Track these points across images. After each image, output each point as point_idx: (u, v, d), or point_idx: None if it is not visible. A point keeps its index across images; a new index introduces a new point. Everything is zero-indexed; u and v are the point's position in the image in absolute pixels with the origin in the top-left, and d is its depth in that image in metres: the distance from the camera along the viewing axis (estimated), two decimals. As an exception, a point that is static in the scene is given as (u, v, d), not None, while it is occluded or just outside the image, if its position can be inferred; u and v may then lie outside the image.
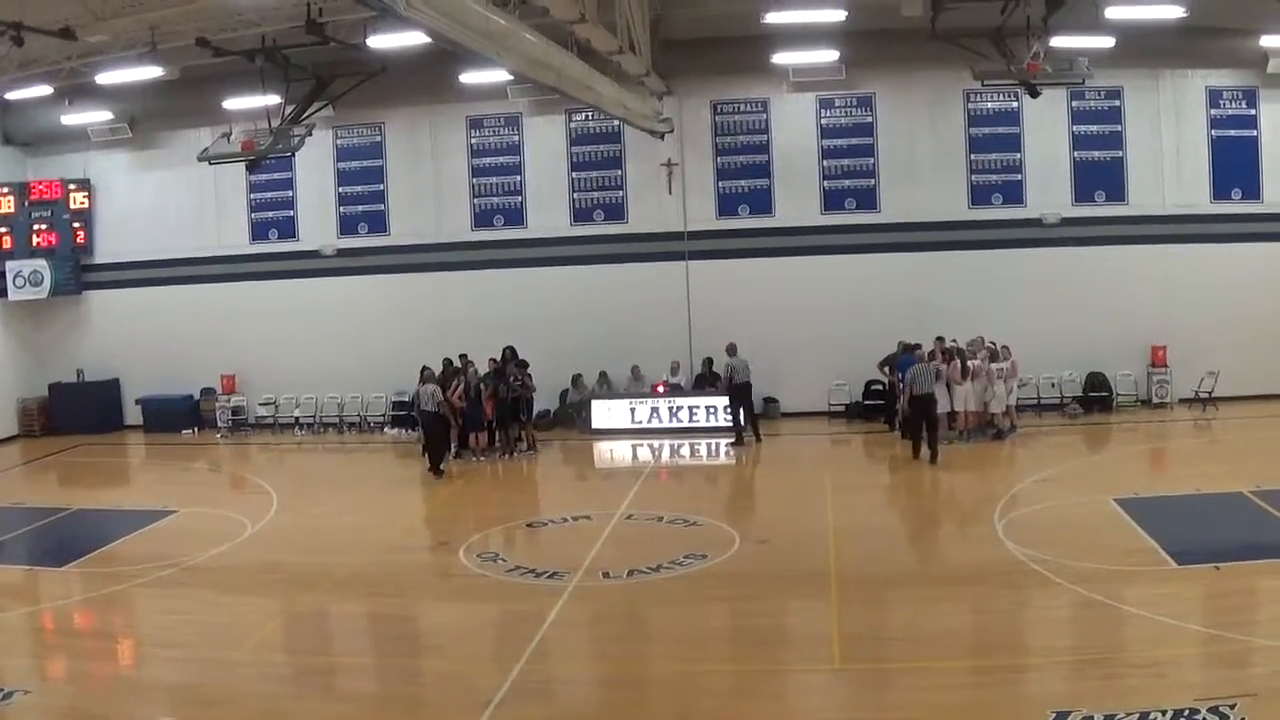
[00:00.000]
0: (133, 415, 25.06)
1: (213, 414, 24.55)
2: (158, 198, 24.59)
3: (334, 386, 23.96)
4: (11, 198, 24.44)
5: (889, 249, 22.55)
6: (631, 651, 11.05)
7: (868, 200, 22.80)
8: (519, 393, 20.37)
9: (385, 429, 23.65)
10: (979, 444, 19.64)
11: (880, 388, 21.94)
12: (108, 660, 11.25)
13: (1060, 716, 8.43)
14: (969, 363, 19.74)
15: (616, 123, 22.00)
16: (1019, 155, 22.45)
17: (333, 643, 11.90)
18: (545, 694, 9.97)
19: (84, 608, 12.90)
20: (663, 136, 22.22)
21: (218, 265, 24.51)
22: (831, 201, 22.92)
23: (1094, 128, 22.29)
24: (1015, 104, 22.09)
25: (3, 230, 24.40)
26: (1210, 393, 21.31)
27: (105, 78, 19.41)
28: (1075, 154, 22.38)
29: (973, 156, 22.53)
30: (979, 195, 22.59)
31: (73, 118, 23.16)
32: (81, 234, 24.69)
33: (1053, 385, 22.13)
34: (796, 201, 22.95)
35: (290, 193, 24.39)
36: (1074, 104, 22.16)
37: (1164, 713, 8.36)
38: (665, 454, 21.13)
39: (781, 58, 21.52)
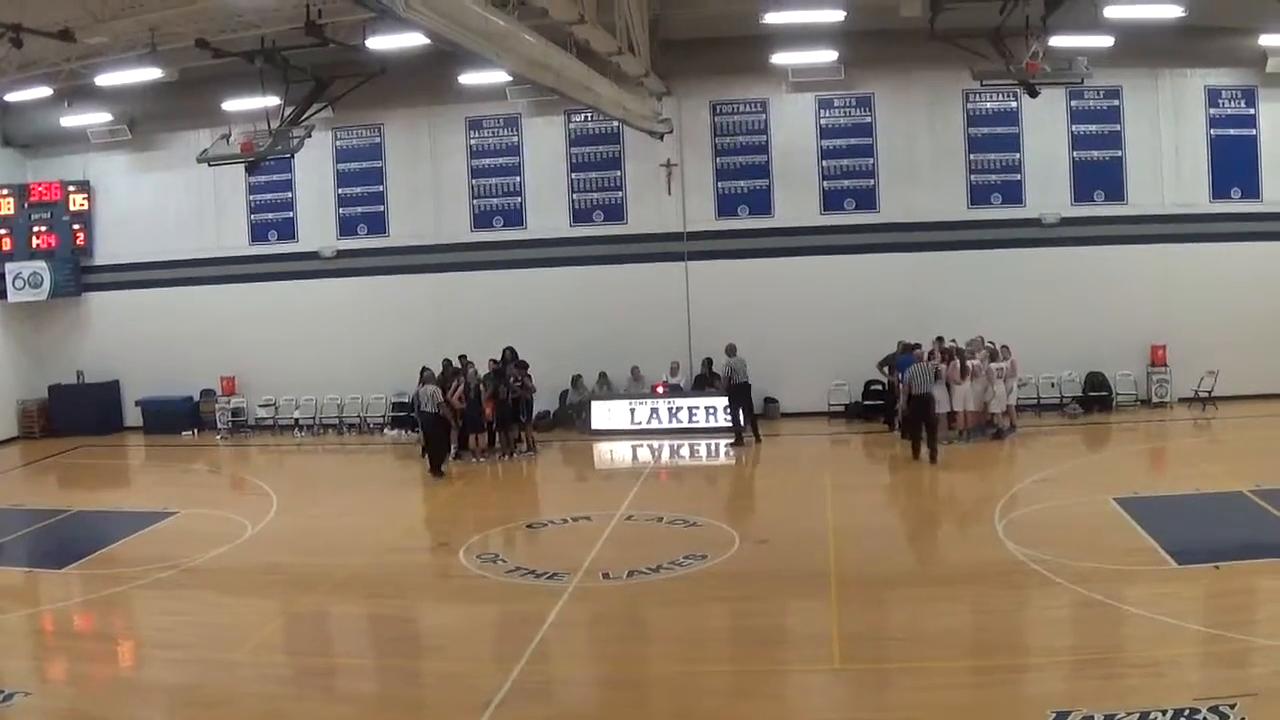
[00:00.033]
0: (133, 417, 25.06)
1: (212, 415, 24.55)
2: (157, 199, 24.59)
3: (334, 388, 23.97)
4: (11, 199, 24.43)
5: (888, 249, 22.55)
6: (631, 652, 11.05)
7: (867, 200, 22.81)
8: (519, 393, 20.37)
9: (385, 430, 23.66)
10: (979, 444, 19.64)
11: (880, 388, 21.94)
12: (108, 662, 11.24)
13: (1060, 716, 8.43)
14: (968, 363, 19.75)
15: (616, 123, 22.01)
16: (1018, 155, 22.46)
17: (333, 644, 11.90)
18: (545, 694, 9.97)
19: (84, 609, 12.90)
20: (662, 137, 22.22)
21: (217, 267, 24.51)
22: (831, 202, 22.93)
23: (1093, 127, 22.29)
24: (1014, 104, 22.09)
25: (2, 232, 24.39)
26: (1210, 392, 21.31)
27: (105, 79, 19.43)
28: (1074, 154, 22.38)
29: (972, 156, 22.53)
30: (978, 195, 22.59)
31: (72, 119, 23.16)
32: (81, 236, 24.69)
33: (1052, 385, 22.13)
34: (796, 202, 22.95)
35: (290, 194, 24.39)
36: (1073, 104, 22.16)
37: (1164, 712, 8.36)
38: (665, 455, 21.13)
39: (780, 58, 21.52)
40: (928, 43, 17.54)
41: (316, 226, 24.34)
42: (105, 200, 24.85)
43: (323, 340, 23.81)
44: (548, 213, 23.63)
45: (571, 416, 23.09)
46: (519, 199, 23.79)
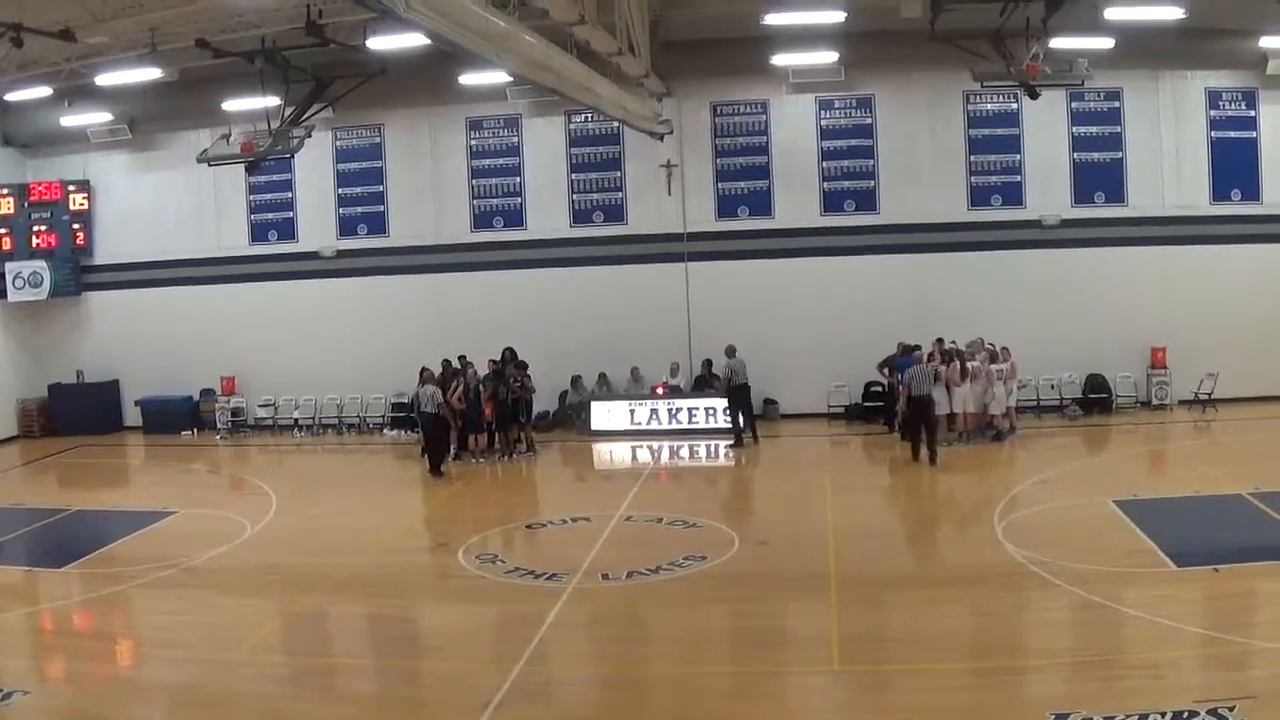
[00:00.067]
0: (132, 416, 25.06)
1: (212, 415, 24.54)
2: (157, 199, 24.59)
3: (333, 388, 23.97)
4: (11, 199, 24.44)
5: (888, 250, 22.54)
6: (631, 653, 11.05)
7: (867, 202, 22.80)
8: (518, 394, 20.36)
9: (384, 430, 23.66)
10: (978, 445, 19.64)
11: (880, 389, 21.93)
12: (107, 661, 11.24)
13: (1059, 718, 8.43)
14: (968, 364, 19.74)
15: (616, 124, 22.01)
16: (1018, 156, 22.45)
17: (332, 644, 11.90)
18: (544, 695, 9.97)
19: (83, 608, 12.90)
20: (662, 138, 22.22)
21: (217, 267, 24.52)
22: (831, 203, 22.92)
23: (1093, 129, 22.29)
24: (1015, 105, 22.09)
25: (2, 231, 24.39)
26: (1210, 394, 21.31)
27: (105, 79, 19.44)
28: (1075, 155, 22.38)
29: (972, 158, 22.53)
30: (978, 197, 22.59)
31: (72, 119, 23.17)
32: (81, 235, 24.69)
33: (1052, 387, 22.13)
34: (796, 203, 22.95)
35: (290, 194, 24.39)
36: (1073, 105, 22.16)
37: (1163, 715, 8.36)
38: (664, 455, 21.13)
39: (781, 59, 21.54)
40: (928, 44, 17.52)
41: (316, 226, 24.34)
42: (105, 200, 24.86)
43: (322, 340, 23.81)
44: (548, 213, 23.63)
45: (571, 417, 23.09)
46: (519, 199, 23.79)
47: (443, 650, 11.23)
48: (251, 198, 24.46)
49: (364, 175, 24.21)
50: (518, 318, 22.80)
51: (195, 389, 24.76)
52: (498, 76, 19.99)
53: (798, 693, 9.93)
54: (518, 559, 14.09)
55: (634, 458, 21.33)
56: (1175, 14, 17.81)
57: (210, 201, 24.35)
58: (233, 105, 20.70)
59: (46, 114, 22.96)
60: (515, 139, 23.77)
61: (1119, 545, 13.02)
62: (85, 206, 24.67)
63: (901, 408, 19.32)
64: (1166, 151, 22.13)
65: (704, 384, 22.37)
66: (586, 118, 23.10)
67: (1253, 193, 22.06)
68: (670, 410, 22.17)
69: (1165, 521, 14.00)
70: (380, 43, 17.06)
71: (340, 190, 24.28)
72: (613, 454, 21.70)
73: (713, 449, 21.18)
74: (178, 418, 24.55)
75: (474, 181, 23.86)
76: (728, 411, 21.06)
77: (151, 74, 18.95)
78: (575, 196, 23.59)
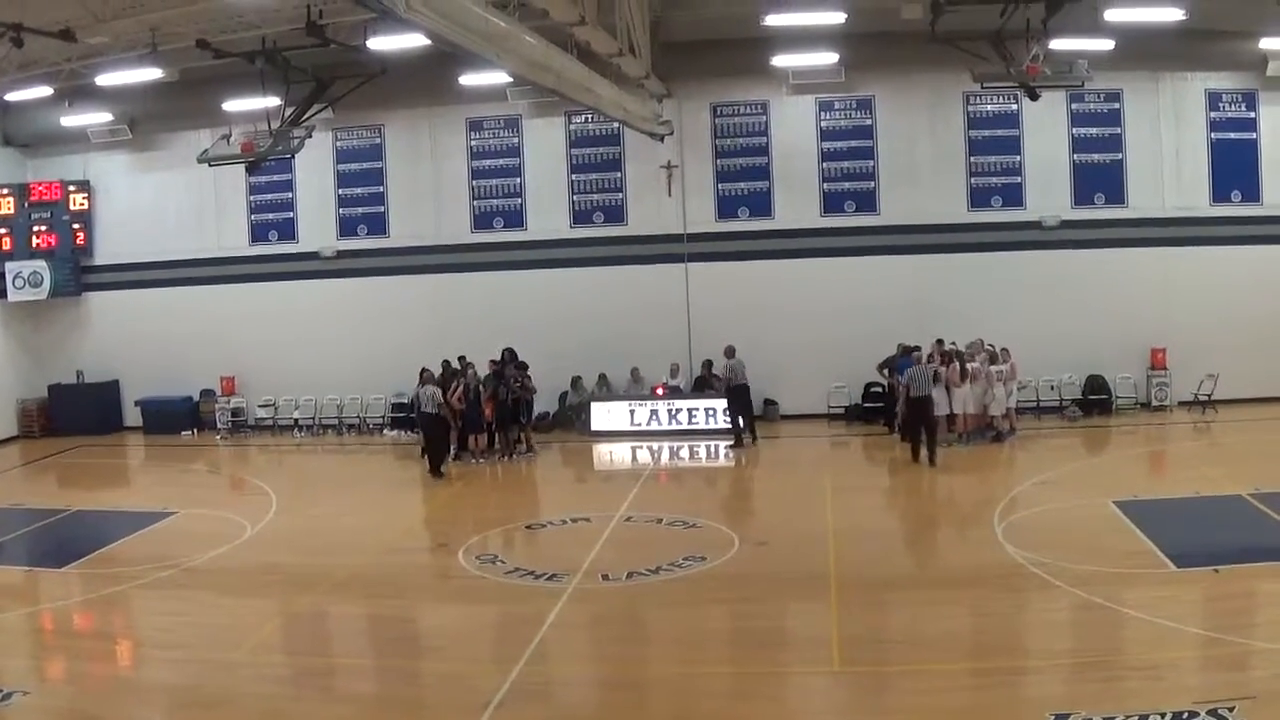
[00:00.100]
0: (132, 417, 25.06)
1: (212, 415, 24.54)
2: (157, 199, 24.59)
3: (333, 388, 23.97)
4: (11, 199, 24.43)
5: (888, 251, 22.55)
6: (631, 653, 11.05)
7: (867, 203, 22.81)
8: (518, 394, 20.36)
9: (384, 431, 23.66)
10: (978, 446, 19.63)
11: (880, 390, 21.93)
12: (107, 661, 11.25)
13: (1059, 719, 8.43)
14: (968, 365, 19.75)
15: (616, 125, 22.02)
16: (1018, 158, 22.45)
17: (332, 644, 11.90)
18: (544, 696, 9.97)
19: (83, 609, 12.90)
20: (662, 139, 22.22)
21: (217, 267, 24.52)
22: (831, 204, 22.92)
23: (1093, 130, 22.29)
24: (1015, 106, 22.09)
25: (2, 231, 24.39)
26: (1210, 395, 21.32)
27: (105, 79, 19.46)
28: (1075, 156, 22.38)
29: (972, 159, 22.52)
30: (978, 198, 22.59)
31: (72, 119, 23.18)
32: (81, 235, 24.69)
33: (1052, 388, 22.13)
34: (796, 204, 22.95)
35: (290, 195, 24.39)
36: (1073, 106, 22.16)
37: (1163, 715, 8.36)
38: (664, 456, 21.13)
39: (781, 60, 21.55)
40: (928, 45, 17.51)
41: (317, 227, 24.34)
42: (105, 200, 24.86)
43: (323, 341, 23.81)
44: (548, 214, 23.63)
45: (571, 418, 23.09)
46: (519, 200, 23.79)
47: (443, 651, 11.23)
48: (252, 198, 24.47)
49: (364, 176, 24.21)
50: (518, 318, 22.79)
51: (195, 389, 24.77)
52: (498, 77, 20.00)
53: (798, 694, 9.93)
54: (518, 559, 14.09)
55: (634, 458, 21.33)
56: (1175, 15, 17.82)
57: (210, 202, 24.35)
58: (233, 105, 20.69)
59: (47, 114, 22.96)
60: (515, 140, 23.78)
61: (1119, 546, 13.02)
62: (85, 206, 24.67)
63: (901, 408, 19.33)
64: (1166, 153, 22.14)
65: (704, 385, 22.36)
66: (587, 118, 23.10)
67: (1253, 194, 22.06)
68: (670, 411, 22.18)
69: (1165, 522, 14.00)
70: (380, 43, 17.08)
71: (340, 191, 24.28)
72: (613, 454, 21.70)
73: (713, 450, 21.19)
74: (178, 418, 24.55)
75: (474, 182, 23.86)
76: (728, 412, 21.06)
77: (152, 74, 18.97)
78: (575, 197, 23.60)
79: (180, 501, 17.61)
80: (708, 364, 22.28)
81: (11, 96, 21.32)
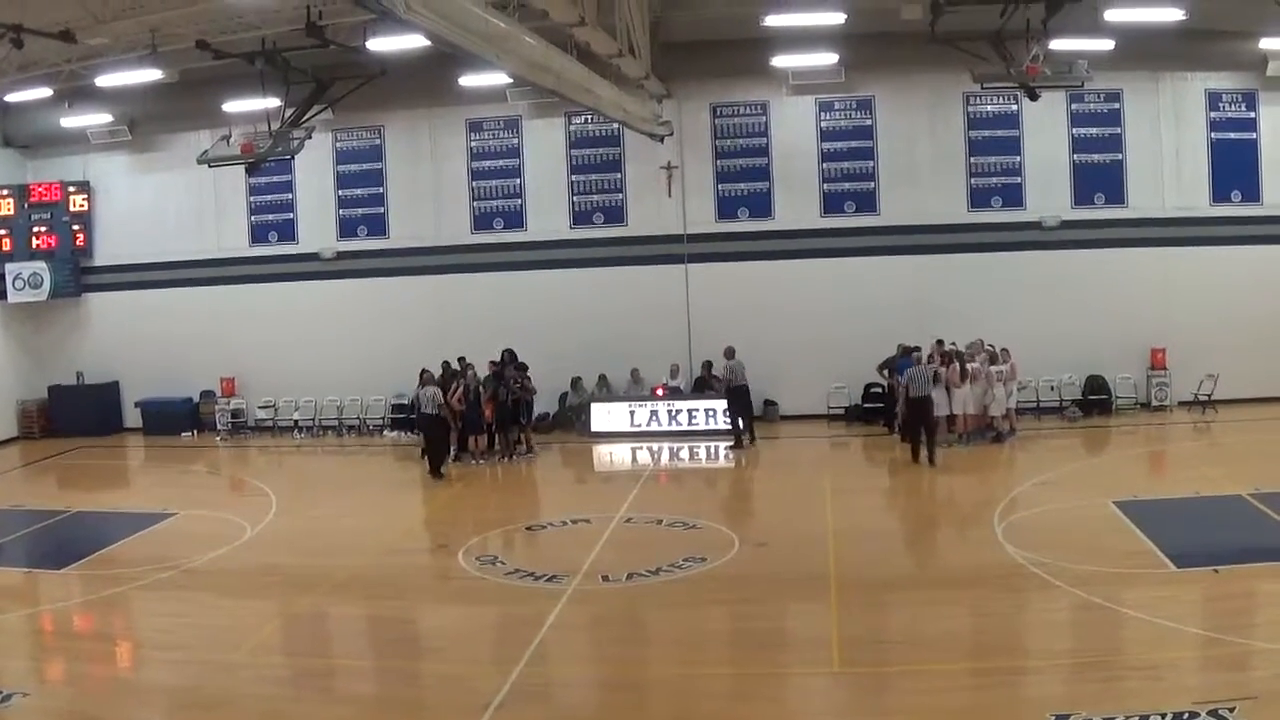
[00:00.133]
0: (132, 418, 25.05)
1: (212, 417, 24.54)
2: (157, 200, 24.58)
3: (333, 389, 23.97)
4: (11, 200, 24.43)
5: (888, 252, 22.54)
6: (631, 654, 11.05)
7: (867, 203, 22.80)
8: (519, 395, 20.36)
9: (384, 432, 23.66)
10: (978, 447, 19.63)
11: (879, 391, 21.92)
12: (107, 663, 11.25)
13: (1059, 719, 8.43)
14: (968, 365, 19.74)
15: (616, 126, 22.02)
16: (1018, 158, 22.44)
17: (332, 645, 11.90)
18: (544, 697, 9.97)
19: (83, 610, 12.90)
20: (662, 139, 22.21)
21: (217, 268, 24.51)
22: (831, 204, 22.92)
23: (1093, 130, 22.29)
24: (1015, 107, 22.08)
25: (2, 232, 24.38)
26: (1210, 395, 21.31)
27: (105, 80, 19.47)
28: (1075, 157, 22.37)
29: (972, 159, 22.52)
30: (978, 198, 22.58)
31: (72, 120, 23.18)
32: (81, 236, 24.69)
33: (1052, 388, 22.12)
34: (796, 204, 22.95)
35: (290, 195, 24.40)
36: (1073, 107, 22.15)
37: (1163, 716, 8.36)
38: (664, 457, 21.13)
39: (781, 61, 21.55)
40: (928, 45, 17.53)
41: (317, 228, 24.34)
42: (105, 201, 24.85)
43: (323, 342, 23.81)
44: (548, 215, 23.63)
45: (571, 418, 23.08)
46: (519, 201, 23.79)
47: (443, 652, 11.24)
48: (252, 199, 24.47)
49: (364, 177, 24.21)
50: (518, 319, 22.79)
51: (195, 390, 24.76)
52: (498, 78, 20.00)
53: (798, 694, 9.92)
54: (518, 560, 14.09)
55: (634, 459, 21.33)
56: (1175, 15, 17.83)
57: (210, 203, 24.35)
58: (233, 106, 20.70)
59: (47, 115, 22.97)
60: (515, 140, 23.77)
61: (1119, 546, 13.02)
62: (85, 208, 24.66)
63: (901, 409, 19.33)
64: (1166, 153, 22.13)
65: (704, 385, 22.35)
66: (586, 119, 23.09)
67: (1253, 194, 22.05)
68: (670, 412, 22.18)
69: (1165, 522, 14.00)
70: (380, 44, 17.09)
71: (340, 192, 24.28)
72: (613, 455, 21.70)
73: (713, 450, 21.18)
74: (178, 419, 24.54)
75: (474, 183, 23.86)
76: (728, 413, 21.05)
77: (152, 75, 18.98)
78: (575, 198, 23.60)
79: (180, 503, 17.61)
80: (707, 365, 22.28)
81: (11, 97, 21.32)
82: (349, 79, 18.77)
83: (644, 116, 20.71)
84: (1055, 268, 22.11)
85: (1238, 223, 21.97)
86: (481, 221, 23.87)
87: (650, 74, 19.05)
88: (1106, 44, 19.09)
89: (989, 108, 22.39)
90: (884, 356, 20.79)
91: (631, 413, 22.40)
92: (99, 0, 15.45)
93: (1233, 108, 22.06)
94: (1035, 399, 21.96)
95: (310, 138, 19.39)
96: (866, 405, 22.38)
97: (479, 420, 20.19)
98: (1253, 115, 22.02)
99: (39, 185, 24.61)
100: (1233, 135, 22.08)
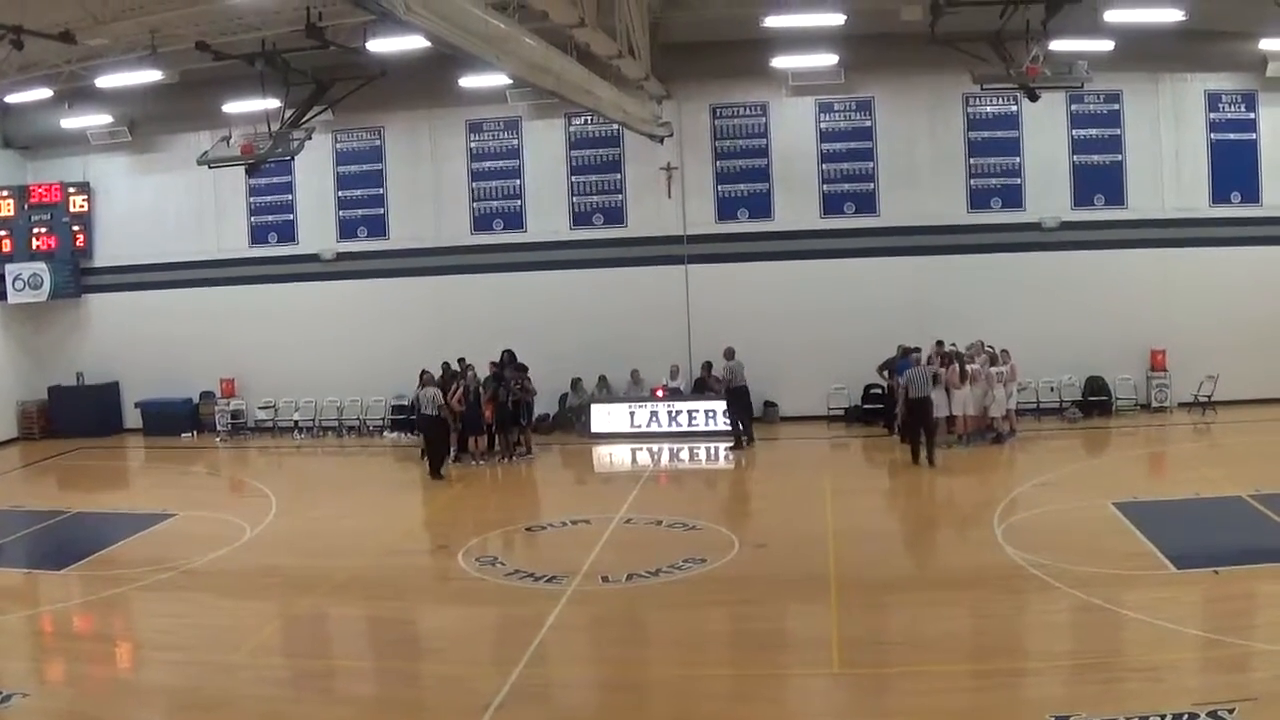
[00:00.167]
0: (132, 418, 25.05)
1: (212, 417, 24.53)
2: (157, 201, 24.58)
3: (333, 390, 23.96)
4: (11, 201, 24.42)
5: (888, 253, 22.55)
6: (630, 655, 11.05)
7: (867, 204, 22.80)
8: (519, 396, 20.36)
9: (384, 433, 23.65)
10: (978, 448, 19.62)
11: (879, 392, 21.92)
12: (106, 663, 11.25)
13: (1059, 721, 8.45)
14: (968, 367, 19.74)
15: (616, 127, 22.02)
16: (1018, 159, 22.45)
17: (331, 646, 11.89)
18: (544, 697, 9.97)
19: (83, 611, 12.91)
20: (662, 140, 22.21)
21: (217, 269, 24.51)
22: (831, 205, 22.92)
23: (1093, 131, 22.29)
24: (1014, 108, 22.07)
25: (2, 233, 24.37)
26: (1209, 397, 21.32)
27: (105, 81, 19.47)
28: (1074, 158, 22.37)
29: (972, 160, 22.52)
30: (978, 199, 22.59)
31: (72, 121, 23.18)
32: (81, 237, 24.68)
33: (1052, 389, 22.12)
34: (796, 205, 22.95)
35: (290, 196, 24.39)
36: (1073, 108, 22.16)
37: (1163, 717, 8.36)
38: (664, 458, 21.13)
39: (781, 62, 21.54)
40: (928, 46, 17.52)
41: (316, 229, 24.33)
42: (105, 202, 24.85)
43: (322, 343, 23.80)
44: (548, 216, 23.63)
45: (571, 419, 23.08)
46: (519, 202, 23.79)
47: (442, 653, 11.24)
48: (251, 200, 24.46)
49: (364, 178, 24.21)
50: (518, 320, 22.80)
51: (195, 391, 24.76)
52: (498, 79, 19.99)
53: (798, 695, 9.92)
54: (518, 561, 14.09)
55: (634, 460, 21.33)
56: (1175, 16, 17.84)
57: (210, 204, 24.34)
58: (233, 107, 20.70)
59: (47, 116, 22.97)
60: (515, 141, 23.78)
61: (1119, 548, 13.02)
62: (85, 208, 24.66)
63: (901, 410, 19.32)
64: (1166, 154, 22.13)
65: (703, 386, 22.34)
66: (586, 120, 23.10)
67: (1252, 195, 22.06)
68: (670, 413, 22.18)
69: (1165, 524, 14.00)
70: (380, 45, 17.09)
71: (340, 193, 24.28)
72: (612, 456, 21.69)
73: (712, 451, 21.18)
74: (177, 420, 24.54)
75: (474, 184, 23.86)
76: (727, 414, 21.05)
77: (152, 76, 18.99)
78: (575, 199, 23.60)
79: (180, 503, 17.61)
80: (707, 365, 22.27)
81: (11, 98, 21.32)
82: (349, 80, 18.76)
83: (644, 117, 20.71)
84: (1055, 269, 22.12)
85: (1237, 224, 21.97)
86: (481, 222, 23.87)
87: (650, 75, 19.04)
88: (1106, 45, 19.09)
89: (989, 109, 22.40)
90: (884, 358, 20.78)
91: (631, 414, 22.40)
92: (99, 1, 15.47)
93: (1232, 109, 22.06)
94: (1035, 400, 21.96)
95: (310, 139, 19.41)
96: (866, 406, 22.37)
97: (479, 421, 20.19)
98: (1252, 116, 22.02)
99: (39, 186, 24.61)
100: (1232, 136, 22.08)
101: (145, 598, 13.10)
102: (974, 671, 9.91)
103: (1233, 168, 22.03)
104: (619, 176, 23.48)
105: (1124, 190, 22.30)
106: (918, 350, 19.67)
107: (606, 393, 22.97)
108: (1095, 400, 22.01)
